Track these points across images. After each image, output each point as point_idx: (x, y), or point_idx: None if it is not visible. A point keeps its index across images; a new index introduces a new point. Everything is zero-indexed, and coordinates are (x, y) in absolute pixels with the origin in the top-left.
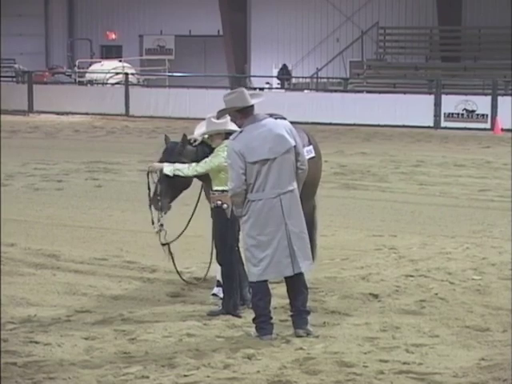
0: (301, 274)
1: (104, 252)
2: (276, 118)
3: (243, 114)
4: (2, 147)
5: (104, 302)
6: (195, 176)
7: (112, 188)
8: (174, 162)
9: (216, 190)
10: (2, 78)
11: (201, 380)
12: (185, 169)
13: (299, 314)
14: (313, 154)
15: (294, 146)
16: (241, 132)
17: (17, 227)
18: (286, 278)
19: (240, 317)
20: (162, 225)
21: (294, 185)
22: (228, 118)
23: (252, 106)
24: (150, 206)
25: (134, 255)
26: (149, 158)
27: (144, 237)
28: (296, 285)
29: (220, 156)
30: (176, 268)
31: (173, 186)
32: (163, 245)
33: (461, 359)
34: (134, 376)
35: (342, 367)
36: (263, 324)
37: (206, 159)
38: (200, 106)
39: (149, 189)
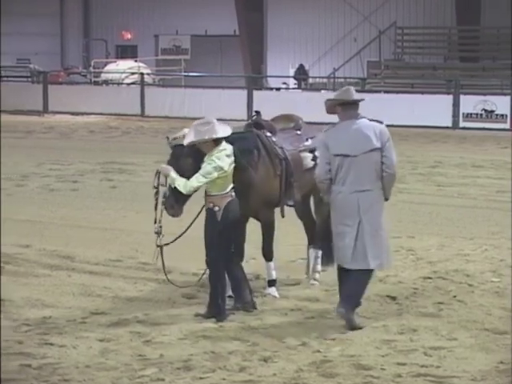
0: (364, 272)
1: (119, 253)
2: (372, 121)
3: (343, 108)
4: (17, 147)
5: (119, 303)
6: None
7: (127, 189)
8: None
9: (210, 195)
10: (17, 78)
11: (216, 383)
12: (181, 186)
13: (349, 297)
14: None
15: (380, 149)
16: (334, 125)
17: (31, 228)
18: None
19: (220, 322)
20: (161, 227)
21: (376, 185)
22: (213, 124)
23: (354, 103)
24: (156, 205)
25: (149, 256)
26: (164, 158)
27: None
28: (352, 278)
29: (212, 165)
30: (164, 271)
31: None
32: (158, 246)
33: (479, 362)
34: (149, 378)
35: (360, 370)
36: (343, 305)
37: (198, 174)
38: (216, 107)
39: (155, 188)
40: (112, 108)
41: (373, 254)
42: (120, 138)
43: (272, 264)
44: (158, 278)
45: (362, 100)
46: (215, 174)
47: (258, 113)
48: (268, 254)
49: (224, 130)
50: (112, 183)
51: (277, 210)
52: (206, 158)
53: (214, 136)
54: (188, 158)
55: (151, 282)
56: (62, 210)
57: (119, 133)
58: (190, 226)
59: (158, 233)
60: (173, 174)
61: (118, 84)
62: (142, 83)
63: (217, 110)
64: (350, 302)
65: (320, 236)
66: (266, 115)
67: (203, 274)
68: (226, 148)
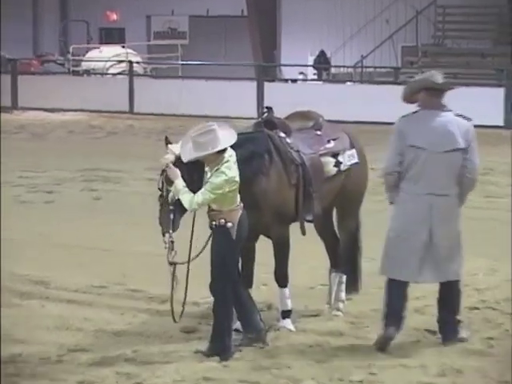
0: (453, 282)
1: (104, 278)
2: (458, 116)
3: (428, 94)
4: None
5: (103, 338)
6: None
7: (113, 201)
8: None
9: (220, 209)
10: None
11: None
12: (186, 201)
13: (447, 325)
14: (356, 160)
15: (464, 150)
16: (415, 112)
17: None
18: (440, 284)
19: (225, 360)
20: (172, 242)
21: (454, 190)
22: (215, 132)
23: (442, 91)
24: (160, 212)
25: (140, 282)
26: (159, 164)
27: (152, 260)
28: (444, 293)
29: (222, 178)
30: (172, 296)
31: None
32: (170, 264)
33: None
34: None
35: None
36: (387, 323)
37: (204, 189)
38: (219, 102)
39: (160, 190)
40: (95, 103)
41: (442, 266)
42: (105, 139)
43: (287, 291)
44: (151, 309)
45: (452, 88)
46: (226, 188)
47: (269, 109)
48: (282, 279)
49: (229, 137)
50: (95, 194)
51: (293, 227)
52: (210, 170)
53: (219, 147)
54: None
55: (142, 312)
56: (35, 226)
57: (104, 133)
58: (204, 247)
59: (170, 248)
60: (179, 182)
61: (102, 74)
62: (131, 73)
63: (220, 106)
64: (455, 325)
65: (344, 257)
66: (280, 112)
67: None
68: (232, 154)
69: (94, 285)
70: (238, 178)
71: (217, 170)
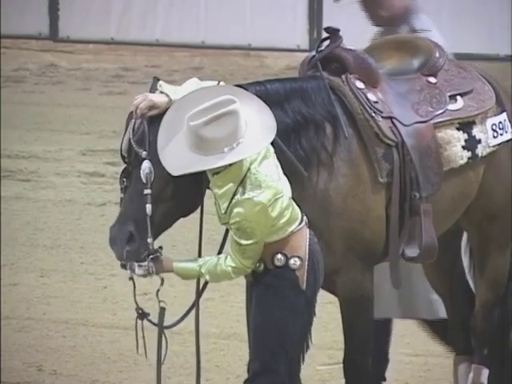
0: None
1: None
2: None
3: None
4: None
5: None
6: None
7: (18, 218)
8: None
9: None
10: None
11: None
12: (209, 273)
13: None
14: (508, 135)
15: None
16: None
17: None
18: None
19: None
20: (156, 256)
21: None
22: (237, 116)
23: None
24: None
25: None
26: (103, 143)
27: (98, 333)
28: None
29: (252, 211)
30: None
31: (172, 210)
32: (141, 314)
33: None
34: None
35: None
36: None
37: (231, 254)
38: (236, 17)
39: (124, 158)
40: None
41: None
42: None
43: None
44: None
45: None
46: (266, 220)
47: (333, 32)
48: (356, 374)
49: (266, 128)
50: None
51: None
52: (219, 187)
53: (245, 153)
54: None
55: None
56: None
57: None
58: (197, 300)
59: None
60: (180, 265)
61: None
62: None
63: (236, 26)
64: None
65: (485, 333)
66: (354, 38)
67: None
68: (270, 147)
69: None
70: (286, 189)
71: (233, 195)
